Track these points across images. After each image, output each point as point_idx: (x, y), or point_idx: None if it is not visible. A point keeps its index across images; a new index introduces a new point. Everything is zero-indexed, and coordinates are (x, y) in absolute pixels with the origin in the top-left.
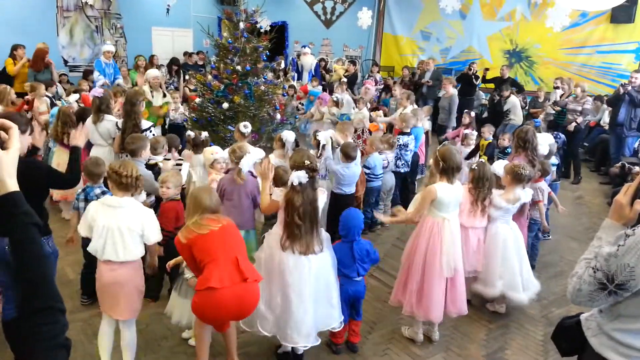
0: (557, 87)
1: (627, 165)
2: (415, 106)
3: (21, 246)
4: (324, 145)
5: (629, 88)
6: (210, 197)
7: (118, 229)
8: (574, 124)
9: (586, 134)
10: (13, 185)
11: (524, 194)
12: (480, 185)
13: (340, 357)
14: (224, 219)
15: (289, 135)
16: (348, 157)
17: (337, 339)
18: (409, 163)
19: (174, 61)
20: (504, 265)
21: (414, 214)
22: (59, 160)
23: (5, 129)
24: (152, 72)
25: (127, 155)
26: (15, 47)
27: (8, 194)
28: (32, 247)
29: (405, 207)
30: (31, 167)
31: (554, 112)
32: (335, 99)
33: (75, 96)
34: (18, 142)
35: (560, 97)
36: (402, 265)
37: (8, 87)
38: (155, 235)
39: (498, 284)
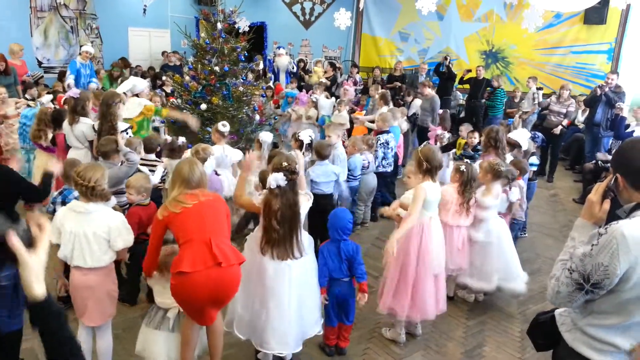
0: (540, 88)
1: (600, 162)
2: (392, 106)
3: (50, 333)
4: (307, 145)
5: (606, 89)
6: (191, 170)
7: (84, 235)
8: (560, 127)
9: None
10: (41, 290)
11: (512, 192)
12: (469, 187)
13: (321, 357)
14: (203, 195)
15: (265, 137)
16: (320, 156)
17: (329, 341)
18: (392, 163)
19: (157, 75)
20: (500, 258)
21: (414, 218)
22: (40, 163)
23: (39, 227)
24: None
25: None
26: None
27: (38, 302)
28: (60, 333)
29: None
30: (2, 171)
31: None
32: (314, 99)
33: (49, 97)
34: (47, 242)
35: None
36: (391, 271)
37: None
38: (121, 241)
39: (494, 279)
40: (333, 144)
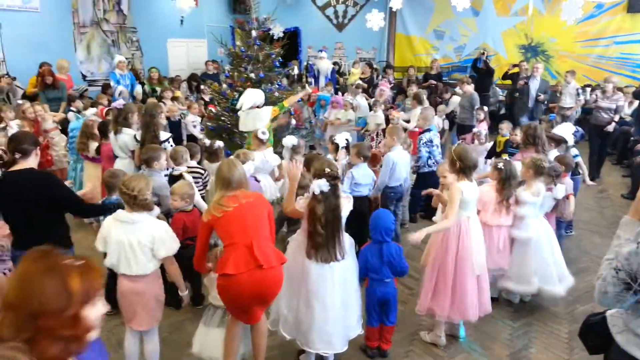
0: (589, 85)
1: None
2: (427, 104)
3: None
4: (343, 148)
5: None
6: (229, 170)
7: (129, 244)
8: (613, 124)
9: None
10: None
11: (557, 189)
12: (507, 185)
13: (362, 359)
14: (244, 196)
15: (287, 141)
16: (363, 157)
17: (371, 342)
18: (439, 161)
19: (193, 77)
20: (537, 260)
21: (452, 219)
22: (88, 173)
23: None
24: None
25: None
26: (40, 65)
27: None
28: None
29: (429, 208)
30: (42, 178)
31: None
32: (350, 101)
33: (93, 110)
34: None
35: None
36: (429, 272)
37: (28, 103)
38: (164, 249)
39: (534, 281)
40: (391, 147)
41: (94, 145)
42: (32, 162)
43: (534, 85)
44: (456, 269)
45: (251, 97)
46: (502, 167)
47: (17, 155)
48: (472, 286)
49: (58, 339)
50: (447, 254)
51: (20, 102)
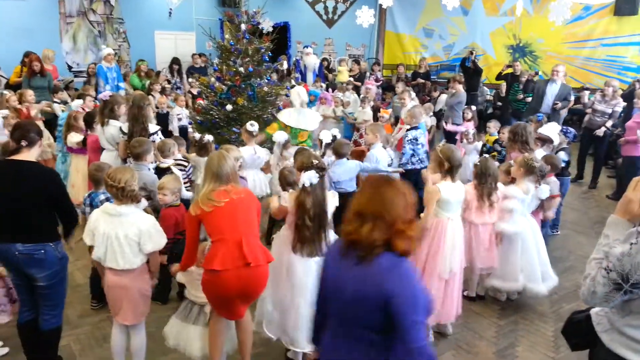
0: (587, 89)
1: None
2: (417, 101)
3: None
4: (327, 144)
5: None
6: (219, 164)
7: (116, 237)
8: (603, 128)
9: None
10: None
11: (541, 189)
12: (484, 181)
13: None
14: (235, 192)
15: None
16: (338, 154)
17: None
18: (423, 159)
19: (174, 61)
20: (523, 257)
21: (425, 220)
22: (74, 165)
23: None
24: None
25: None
26: (26, 54)
27: None
28: None
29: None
30: (48, 175)
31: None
32: (340, 97)
33: (79, 101)
34: None
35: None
36: None
37: (8, 93)
38: (151, 244)
39: (520, 278)
40: (371, 144)
41: (73, 136)
42: (35, 152)
43: (552, 91)
44: (424, 269)
45: (300, 94)
46: (478, 164)
47: (24, 143)
48: (437, 289)
49: (406, 238)
50: (419, 252)
51: (5, 92)
